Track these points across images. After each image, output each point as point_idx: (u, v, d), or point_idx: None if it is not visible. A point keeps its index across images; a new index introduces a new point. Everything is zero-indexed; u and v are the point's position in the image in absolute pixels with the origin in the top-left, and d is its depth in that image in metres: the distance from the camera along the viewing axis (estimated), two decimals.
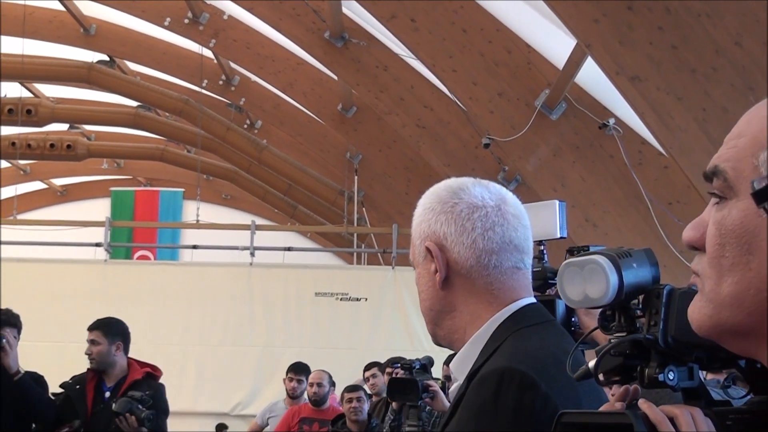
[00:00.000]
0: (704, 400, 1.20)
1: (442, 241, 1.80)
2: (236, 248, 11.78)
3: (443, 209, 1.82)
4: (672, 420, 1.14)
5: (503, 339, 1.72)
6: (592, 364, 1.24)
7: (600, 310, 1.31)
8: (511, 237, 1.80)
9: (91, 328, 5.79)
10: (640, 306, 1.27)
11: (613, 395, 1.23)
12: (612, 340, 1.25)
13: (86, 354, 5.74)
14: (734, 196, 0.99)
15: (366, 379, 8.42)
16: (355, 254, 16.28)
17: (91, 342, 5.72)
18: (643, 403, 1.17)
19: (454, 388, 1.82)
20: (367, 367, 8.53)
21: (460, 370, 1.79)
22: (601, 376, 1.26)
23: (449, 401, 1.90)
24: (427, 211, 1.85)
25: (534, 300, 1.84)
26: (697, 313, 1.04)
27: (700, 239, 1.04)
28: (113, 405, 5.43)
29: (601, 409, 1.21)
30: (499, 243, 1.79)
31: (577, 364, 1.28)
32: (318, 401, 8.02)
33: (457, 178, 1.89)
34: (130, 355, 5.88)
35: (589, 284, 1.27)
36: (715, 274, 1.00)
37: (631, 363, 1.24)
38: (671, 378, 1.20)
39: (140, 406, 5.43)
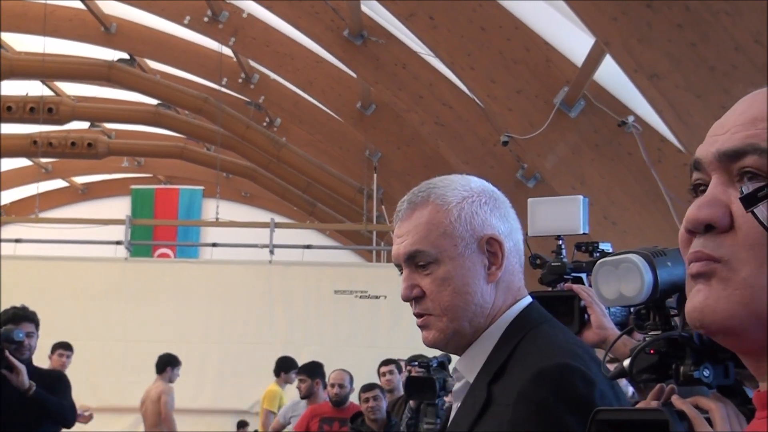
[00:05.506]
0: (740, 397, 1.20)
1: (499, 236, 1.73)
2: (256, 246, 11.82)
3: (495, 205, 1.76)
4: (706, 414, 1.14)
5: (521, 336, 1.67)
6: (626, 362, 1.24)
7: (633, 308, 1.32)
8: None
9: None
10: (675, 304, 1.27)
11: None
12: (647, 338, 1.25)
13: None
14: None
15: (382, 375, 8.41)
16: (374, 252, 16.27)
17: None
18: (677, 400, 1.17)
19: (459, 386, 1.78)
20: (384, 363, 8.52)
21: (469, 369, 1.73)
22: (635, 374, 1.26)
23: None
24: (477, 204, 1.76)
25: (531, 298, 1.80)
26: (725, 301, 0.91)
27: (722, 218, 0.92)
28: None
29: (638, 406, 1.22)
30: (520, 240, 1.78)
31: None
32: (339, 402, 7.98)
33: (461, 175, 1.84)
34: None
35: (624, 283, 1.27)
36: (754, 259, 0.90)
37: (666, 361, 1.23)
38: (707, 375, 1.19)
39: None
